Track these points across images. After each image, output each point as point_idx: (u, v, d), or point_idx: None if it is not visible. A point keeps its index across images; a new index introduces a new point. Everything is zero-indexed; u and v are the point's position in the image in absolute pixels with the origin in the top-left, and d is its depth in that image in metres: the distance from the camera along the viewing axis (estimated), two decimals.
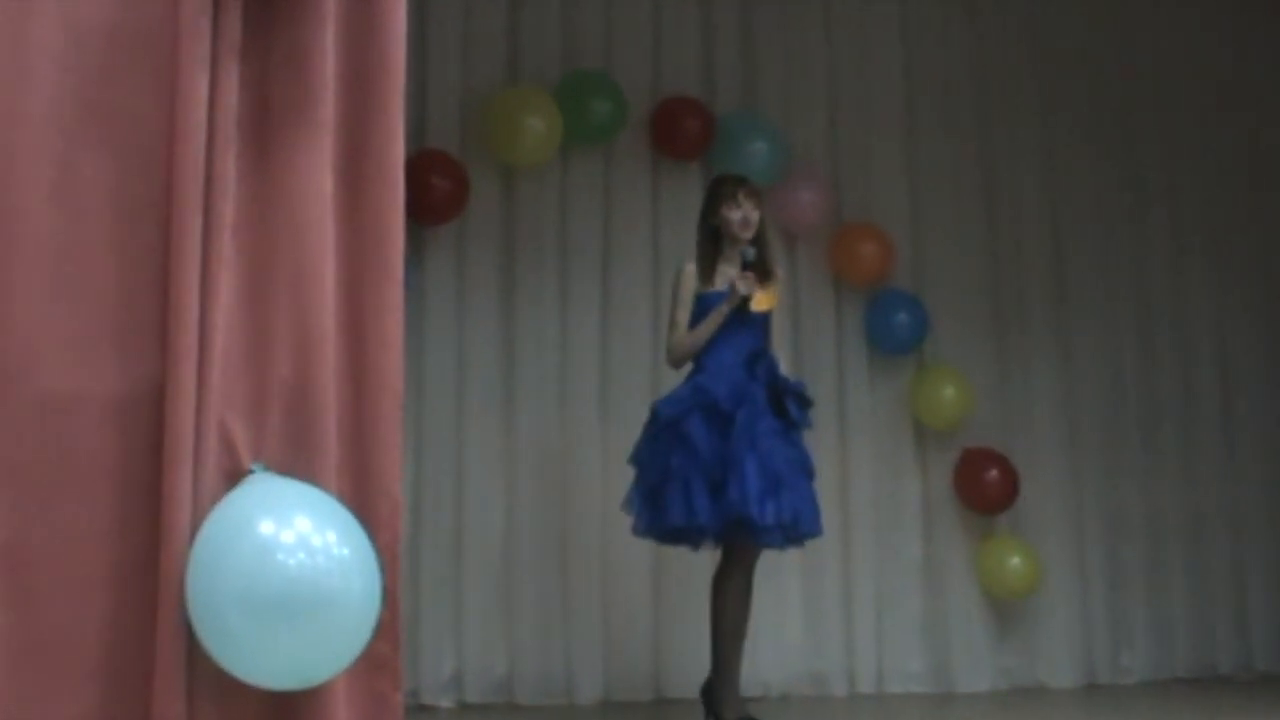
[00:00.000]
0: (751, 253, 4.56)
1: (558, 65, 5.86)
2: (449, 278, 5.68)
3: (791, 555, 5.49)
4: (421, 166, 5.38)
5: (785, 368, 4.73)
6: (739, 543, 4.48)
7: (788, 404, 4.51)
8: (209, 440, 2.64)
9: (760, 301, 4.56)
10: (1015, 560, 6.03)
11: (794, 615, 5.87)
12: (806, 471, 4.56)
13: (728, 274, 4.61)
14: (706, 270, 4.63)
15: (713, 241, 4.67)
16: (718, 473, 4.39)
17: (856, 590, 5.97)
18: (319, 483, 2.70)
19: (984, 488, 6.09)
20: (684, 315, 4.62)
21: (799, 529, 4.49)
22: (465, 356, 5.66)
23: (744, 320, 4.54)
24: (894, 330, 6.13)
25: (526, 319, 5.74)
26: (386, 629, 2.74)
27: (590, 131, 5.80)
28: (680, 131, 5.91)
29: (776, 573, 5.62)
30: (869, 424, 6.13)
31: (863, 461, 6.07)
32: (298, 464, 2.71)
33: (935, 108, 6.41)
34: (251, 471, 2.67)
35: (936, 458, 6.20)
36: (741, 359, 4.55)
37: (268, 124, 2.78)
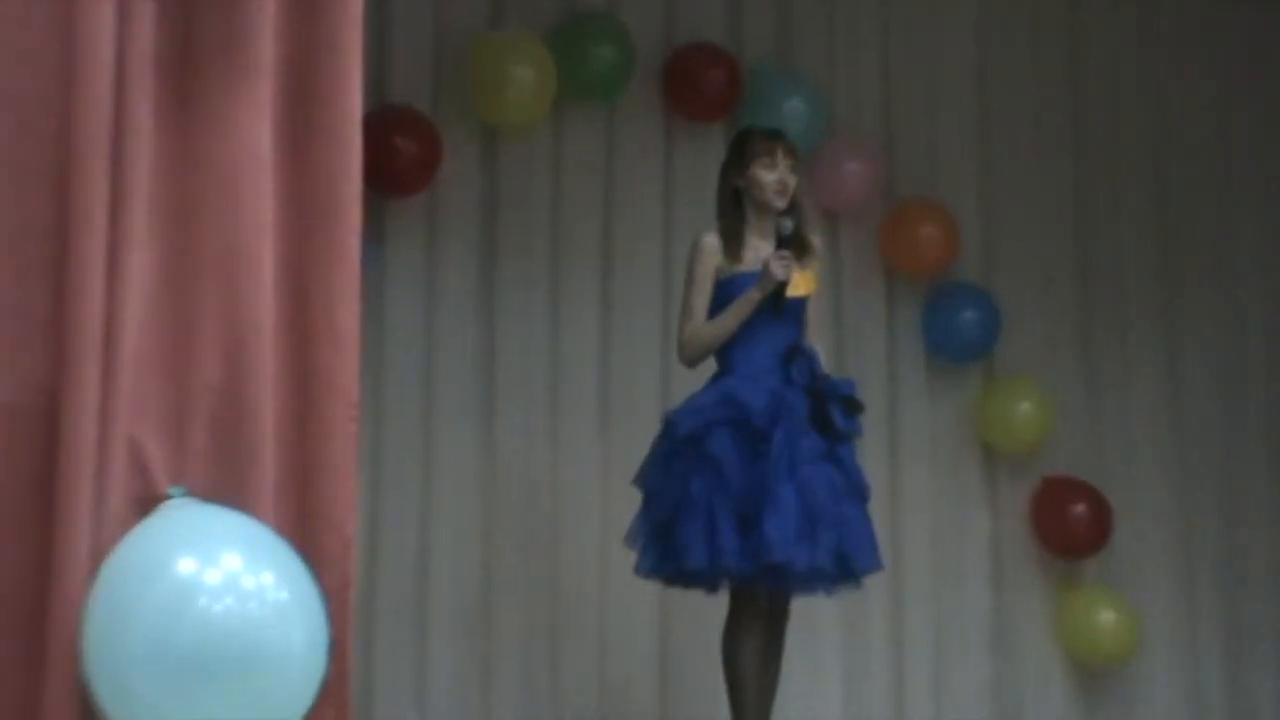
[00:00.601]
0: (790, 226, 4.53)
1: (552, 4, 5.85)
2: (416, 261, 5.68)
3: (829, 606, 5.48)
4: (384, 125, 5.37)
5: (828, 364, 4.72)
6: (769, 592, 4.47)
7: (831, 412, 4.48)
8: (115, 459, 2.63)
9: (799, 285, 4.53)
10: (1106, 616, 6.03)
11: (832, 679, 5.89)
12: (858, 494, 4.55)
13: (758, 250, 4.58)
14: (732, 244, 4.60)
15: (736, 208, 4.65)
16: (748, 504, 4.36)
17: (909, 650, 5.97)
18: (252, 511, 2.69)
19: (1068, 526, 6.09)
20: (702, 300, 4.59)
21: (850, 565, 4.48)
22: (435, 357, 5.67)
23: (779, 309, 4.52)
24: (958, 332, 6.13)
25: (511, 312, 5.74)
26: (333, 692, 2.73)
27: (590, 85, 5.81)
28: (699, 86, 5.92)
29: (810, 627, 5.60)
30: (926, 447, 6.15)
31: (918, 492, 6.09)
32: (226, 488, 2.71)
33: (1013, 56, 6.41)
34: (168, 497, 2.66)
35: (1009, 488, 6.21)
36: (777, 357, 4.53)
37: (191, 67, 2.77)
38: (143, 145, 2.69)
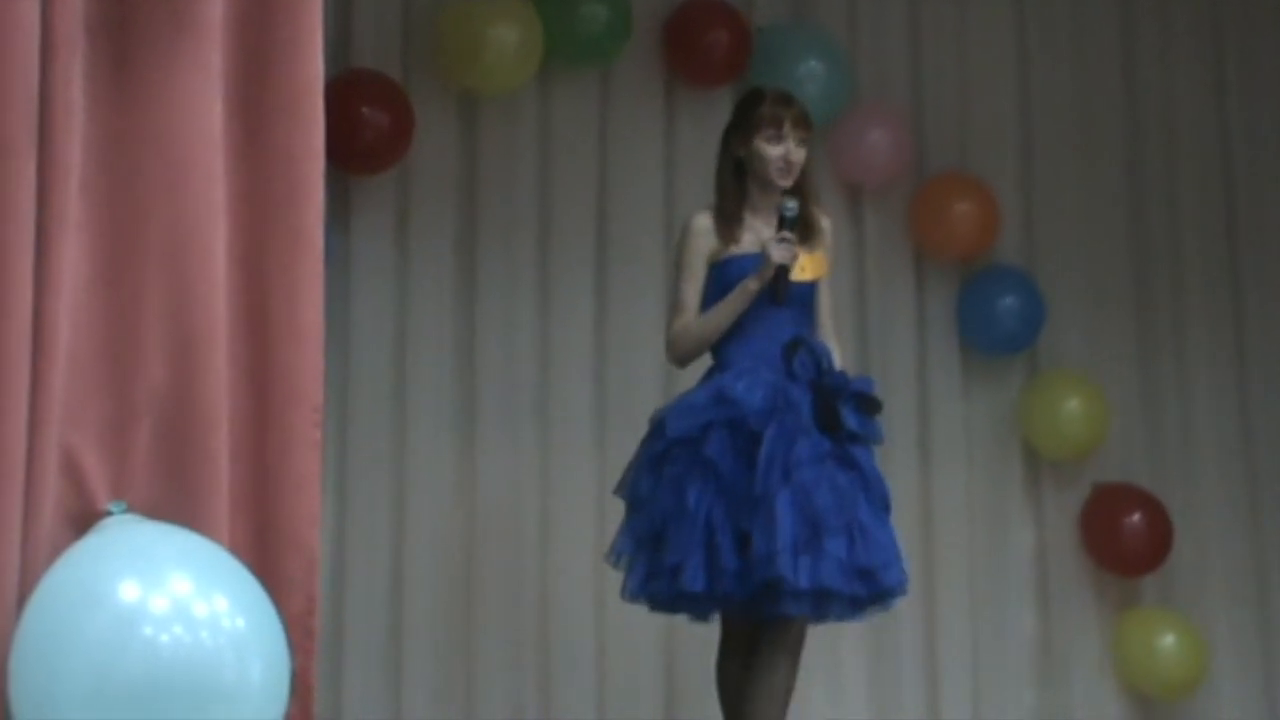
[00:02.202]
0: (794, 209, 4.48)
1: None
2: (386, 246, 5.69)
3: (853, 629, 5.47)
4: (349, 93, 5.38)
5: (844, 361, 4.68)
6: (771, 617, 4.37)
7: (842, 412, 4.41)
8: (46, 470, 2.63)
9: (804, 268, 4.51)
10: (1168, 640, 6.03)
11: (858, 711, 5.89)
12: (878, 501, 4.48)
13: (759, 231, 4.54)
14: (728, 224, 4.56)
15: (737, 181, 4.62)
16: (744, 516, 4.30)
17: (944, 678, 5.98)
18: (204, 529, 2.70)
19: (1123, 539, 6.10)
20: (693, 290, 4.56)
21: (874, 582, 4.39)
22: (408, 355, 5.68)
23: (780, 298, 4.47)
24: (997, 321, 6.14)
25: (493, 304, 5.75)
26: None
27: (581, 47, 5.81)
28: (703, 48, 5.92)
29: (833, 652, 5.61)
30: (962, 450, 6.15)
31: (953, 502, 6.09)
32: (174, 503, 2.71)
33: (1056, 12, 6.40)
34: (108, 513, 2.66)
35: (1056, 497, 6.22)
36: (777, 350, 4.48)
37: (131, 29, 2.77)
38: (75, 119, 2.69)
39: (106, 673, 2.46)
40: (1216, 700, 6.17)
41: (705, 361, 4.67)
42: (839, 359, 4.63)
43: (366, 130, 5.47)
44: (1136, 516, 6.09)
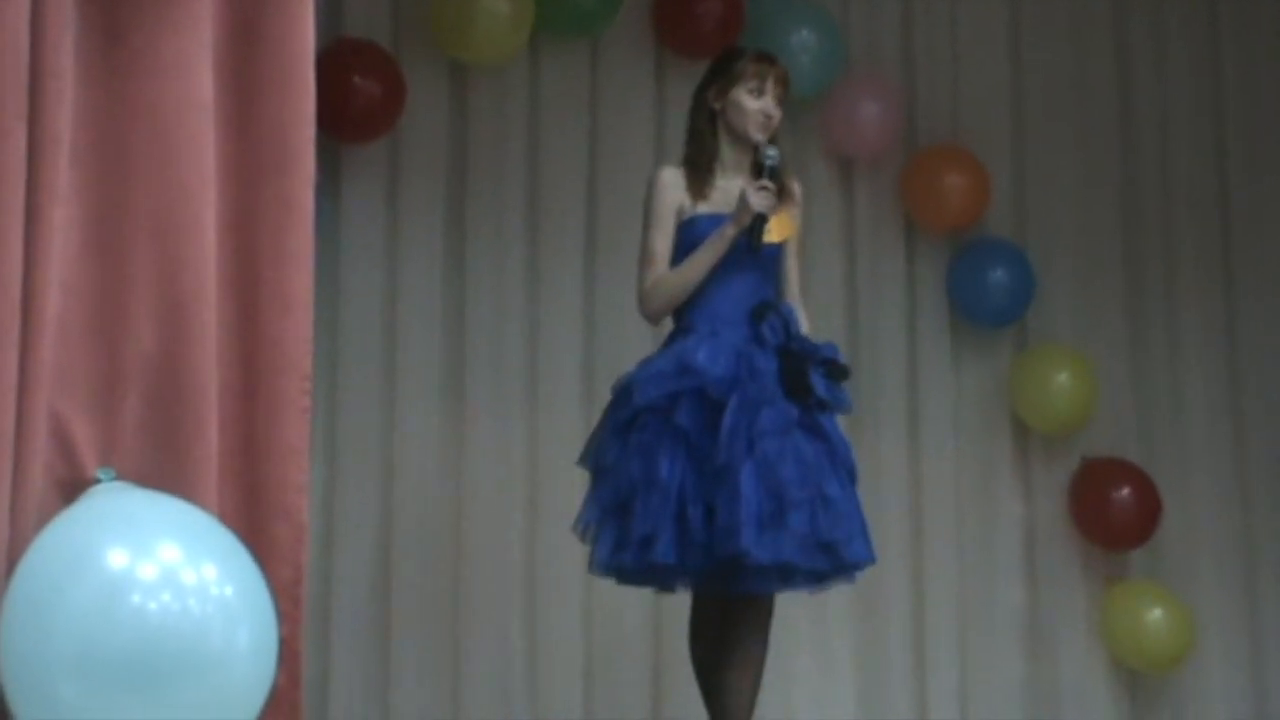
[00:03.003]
0: (775, 156, 4.40)
1: None
2: (376, 216, 5.69)
3: (840, 601, 5.49)
4: (339, 62, 5.37)
5: (811, 326, 4.60)
6: (734, 592, 4.30)
7: (811, 378, 4.31)
8: (35, 437, 2.63)
9: (776, 229, 4.39)
10: (1155, 614, 6.04)
11: (846, 682, 5.90)
12: (844, 471, 4.38)
13: (727, 191, 4.44)
14: (699, 178, 4.47)
15: (710, 137, 4.53)
16: (709, 488, 4.20)
17: (932, 652, 5.99)
18: (193, 497, 2.71)
19: (1111, 513, 6.10)
20: (664, 241, 4.45)
21: (838, 555, 4.31)
22: (398, 324, 5.68)
23: (752, 256, 4.37)
24: (987, 294, 6.14)
25: (482, 273, 5.74)
26: (284, 699, 2.75)
27: (572, 17, 5.80)
28: (694, 17, 5.90)
29: (821, 624, 5.63)
30: (951, 424, 6.16)
31: (942, 475, 6.10)
32: (163, 471, 2.72)
33: None
34: (97, 481, 2.67)
35: (1045, 471, 6.22)
36: (743, 313, 4.39)
37: None
38: (64, 87, 2.69)
39: (95, 640, 2.47)
40: (1203, 673, 6.17)
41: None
42: (806, 325, 4.53)
43: (357, 99, 5.46)
44: (1125, 490, 6.09)
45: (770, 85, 4.49)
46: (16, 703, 2.53)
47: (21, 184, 2.63)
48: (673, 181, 4.49)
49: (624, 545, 4.28)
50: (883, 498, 5.83)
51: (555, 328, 5.79)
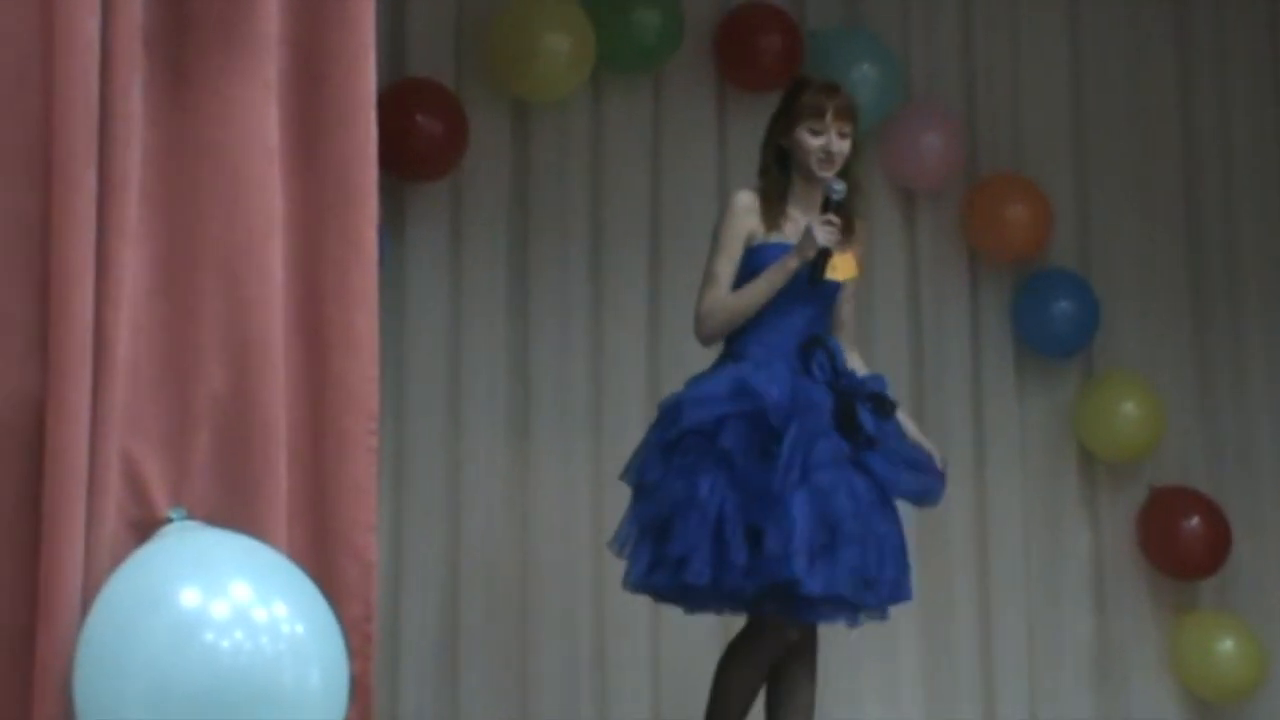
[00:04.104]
0: (841, 188, 4.40)
1: None
2: (440, 253, 5.71)
3: (908, 634, 5.48)
4: (402, 102, 5.40)
5: (864, 368, 4.62)
6: (780, 619, 4.30)
7: (859, 413, 4.32)
8: (108, 478, 2.63)
9: (840, 267, 4.39)
10: (1226, 644, 6.01)
11: (912, 715, 5.87)
12: (891, 509, 4.38)
13: (798, 222, 4.44)
14: (772, 209, 4.47)
15: (781, 170, 4.54)
16: (757, 513, 4.19)
17: (1001, 684, 5.96)
18: (262, 535, 2.71)
19: (1180, 542, 6.07)
20: (729, 266, 4.45)
21: (879, 591, 4.32)
22: (463, 361, 5.70)
23: (811, 289, 4.37)
24: (1052, 324, 6.13)
25: (546, 310, 5.76)
26: None
27: (633, 53, 5.83)
28: (755, 51, 5.91)
29: (888, 655, 5.60)
30: (1017, 454, 6.14)
31: (1008, 505, 6.08)
32: (233, 509, 2.72)
33: (1109, 13, 6.37)
34: (169, 520, 2.67)
35: (1112, 500, 6.19)
36: (794, 345, 4.39)
37: (188, 42, 2.78)
38: (134, 130, 2.69)
39: (167, 678, 2.47)
40: (1276, 704, 6.12)
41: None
42: (859, 366, 4.57)
43: (420, 138, 5.49)
44: (1194, 519, 6.06)
45: (830, 119, 4.46)
46: None
47: (93, 228, 2.63)
48: (748, 206, 4.50)
49: (660, 565, 4.30)
50: (949, 529, 5.82)
51: (620, 364, 5.80)
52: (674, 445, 4.36)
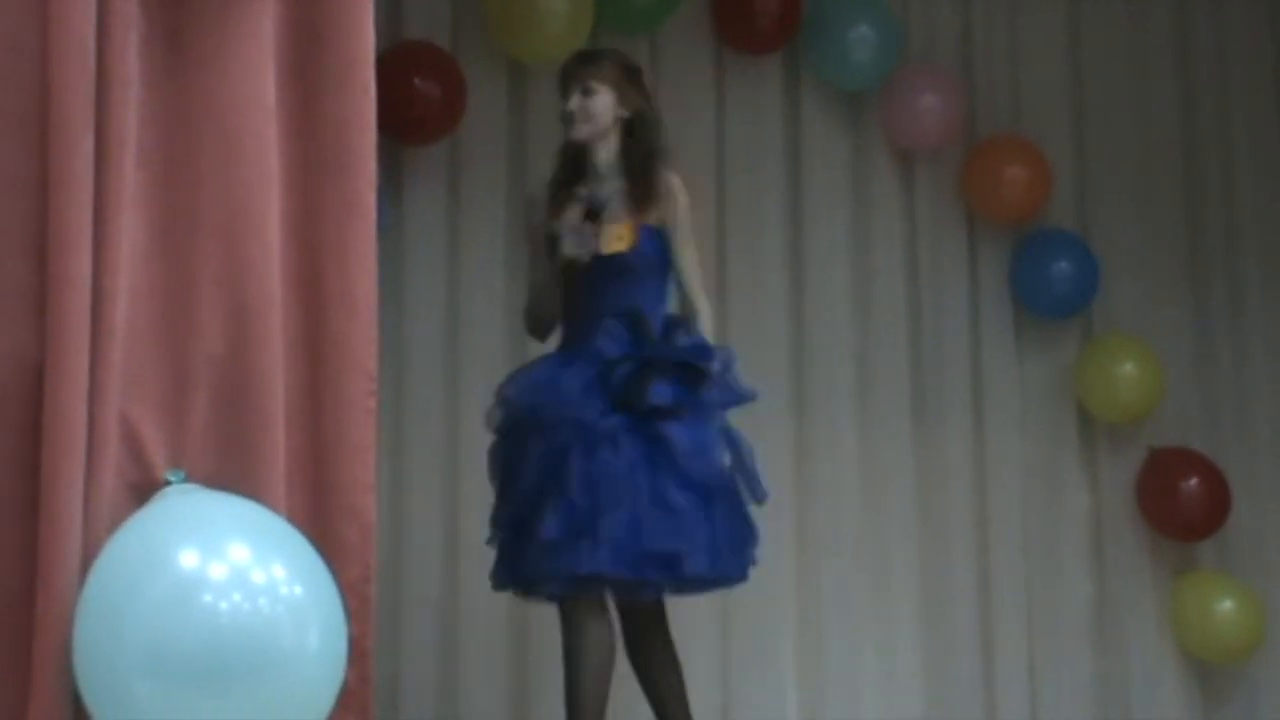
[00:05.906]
0: (592, 199, 4.40)
1: None
2: (438, 217, 5.70)
3: (906, 596, 5.49)
4: (399, 64, 5.38)
5: (711, 324, 4.54)
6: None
7: (649, 387, 4.21)
8: (106, 441, 2.64)
9: (621, 237, 4.36)
10: (1226, 605, 6.00)
11: (911, 679, 5.87)
12: (692, 483, 4.22)
13: (569, 214, 4.44)
14: (552, 198, 4.49)
15: (565, 154, 4.58)
16: (544, 501, 4.26)
17: (999, 644, 5.96)
18: (261, 497, 2.72)
19: (1180, 504, 6.07)
20: (534, 264, 4.57)
21: (676, 569, 4.20)
22: (461, 323, 5.69)
23: (607, 270, 4.35)
24: (1051, 285, 6.11)
25: None
26: (354, 698, 2.76)
27: (630, 13, 5.81)
28: (753, 12, 5.90)
29: (886, 615, 5.61)
30: (1016, 415, 6.13)
31: (1007, 467, 6.07)
32: (232, 472, 2.73)
33: None
34: (167, 483, 2.68)
35: (1111, 462, 6.19)
36: (597, 323, 4.36)
37: (184, 2, 2.76)
38: (130, 92, 2.70)
39: (166, 639, 2.48)
40: (1274, 664, 6.11)
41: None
42: (706, 317, 4.51)
43: (418, 100, 5.48)
44: (1193, 480, 6.05)
45: (572, 84, 4.51)
46: (91, 701, 2.55)
47: (90, 191, 2.63)
48: (530, 203, 4.68)
49: (517, 560, 4.44)
50: (948, 492, 5.83)
51: None
52: (510, 434, 4.50)
